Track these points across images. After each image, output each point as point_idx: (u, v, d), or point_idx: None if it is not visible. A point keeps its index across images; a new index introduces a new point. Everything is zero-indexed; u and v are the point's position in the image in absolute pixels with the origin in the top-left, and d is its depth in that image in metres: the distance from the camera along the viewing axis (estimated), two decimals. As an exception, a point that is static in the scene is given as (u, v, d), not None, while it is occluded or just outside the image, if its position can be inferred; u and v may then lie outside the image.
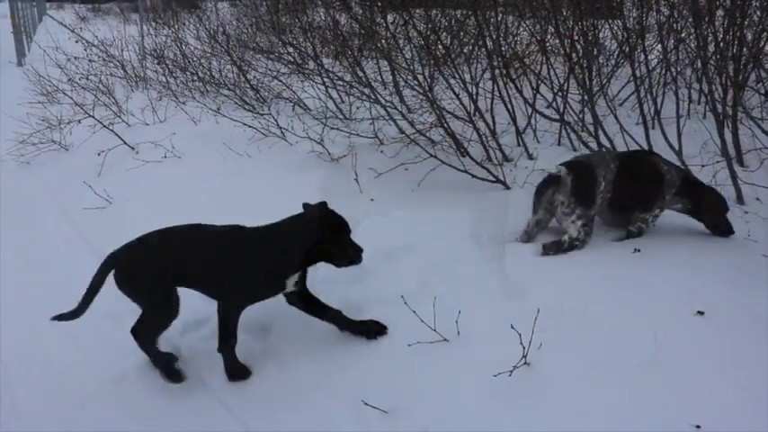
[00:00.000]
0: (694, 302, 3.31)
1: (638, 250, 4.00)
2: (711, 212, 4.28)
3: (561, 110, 5.99)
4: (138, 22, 12.43)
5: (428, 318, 3.18)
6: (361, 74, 6.45)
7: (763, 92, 5.50)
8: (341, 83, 7.12)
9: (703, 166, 5.06)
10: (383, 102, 6.18)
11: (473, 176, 5.06)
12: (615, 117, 5.65)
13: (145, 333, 3.25)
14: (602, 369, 2.87)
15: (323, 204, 3.23)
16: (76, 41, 11.35)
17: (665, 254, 3.98)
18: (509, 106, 6.15)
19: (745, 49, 5.25)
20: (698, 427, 2.49)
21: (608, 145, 5.49)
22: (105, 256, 3.24)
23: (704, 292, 3.45)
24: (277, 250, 3.12)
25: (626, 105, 7.21)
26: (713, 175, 4.86)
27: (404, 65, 6.28)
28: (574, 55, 5.87)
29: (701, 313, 3.23)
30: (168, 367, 3.24)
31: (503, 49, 6.37)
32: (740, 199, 5.09)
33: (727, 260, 3.91)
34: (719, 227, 4.27)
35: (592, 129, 5.65)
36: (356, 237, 4.13)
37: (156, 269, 3.18)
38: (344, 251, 3.19)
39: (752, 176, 4.96)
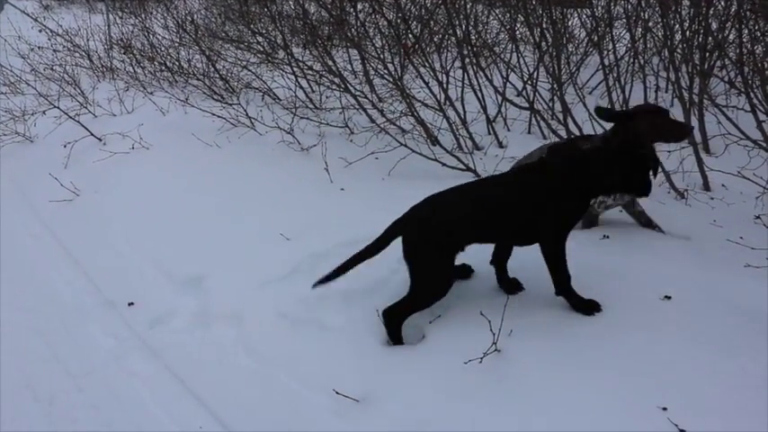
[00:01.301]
0: (662, 287, 3.36)
1: (607, 236, 4.04)
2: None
3: (531, 98, 6.01)
4: (104, 11, 12.17)
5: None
6: (330, 63, 6.42)
7: (727, 80, 5.58)
8: (311, 72, 7.07)
9: (670, 152, 5.13)
10: (353, 91, 6.15)
11: (443, 165, 5.07)
12: (584, 105, 5.69)
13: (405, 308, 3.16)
14: (570, 354, 2.90)
15: None
16: (40, 31, 11.11)
17: (633, 240, 4.03)
18: (479, 95, 6.18)
19: (710, 38, 5.32)
20: (664, 409, 2.54)
21: (577, 132, 5.53)
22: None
23: (671, 276, 3.50)
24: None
25: (595, 93, 7.29)
26: (680, 161, 4.94)
27: (374, 54, 6.26)
28: (543, 44, 5.90)
29: (668, 297, 3.28)
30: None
31: (472, 38, 6.37)
32: (706, 185, 5.20)
33: (693, 245, 3.98)
34: (670, 136, 3.86)
35: (561, 117, 5.69)
36: (327, 226, 4.16)
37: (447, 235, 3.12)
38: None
39: (718, 163, 5.04)
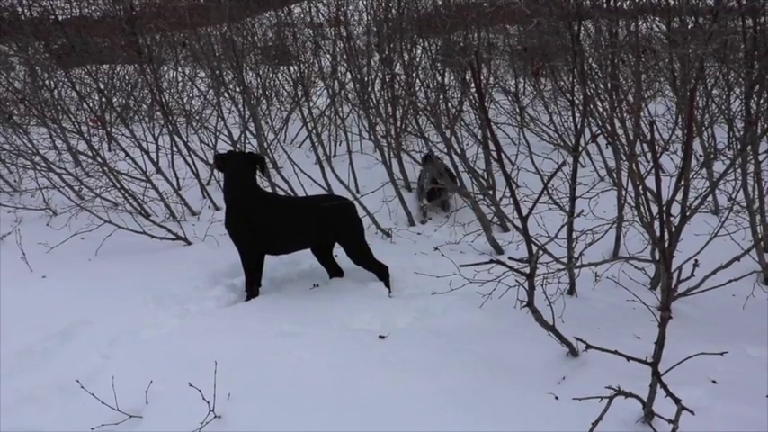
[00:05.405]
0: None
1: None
2: None
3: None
4: None
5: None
6: (26, 140, 5.97)
7: (417, 133, 6.17)
8: (4, 151, 6.48)
9: (373, 191, 5.57)
10: (57, 169, 5.77)
11: (152, 237, 4.99)
12: (290, 160, 5.98)
13: None
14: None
15: None
16: None
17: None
18: (189, 161, 6.18)
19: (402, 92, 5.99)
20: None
21: (285, 187, 5.74)
22: None
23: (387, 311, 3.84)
24: None
25: (304, 147, 7.65)
26: (383, 202, 5.51)
27: (72, 129, 5.93)
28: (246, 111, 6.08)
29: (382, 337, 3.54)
30: None
31: (177, 104, 6.38)
32: (411, 222, 5.76)
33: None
34: None
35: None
36: (29, 318, 3.82)
37: None
38: None
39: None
